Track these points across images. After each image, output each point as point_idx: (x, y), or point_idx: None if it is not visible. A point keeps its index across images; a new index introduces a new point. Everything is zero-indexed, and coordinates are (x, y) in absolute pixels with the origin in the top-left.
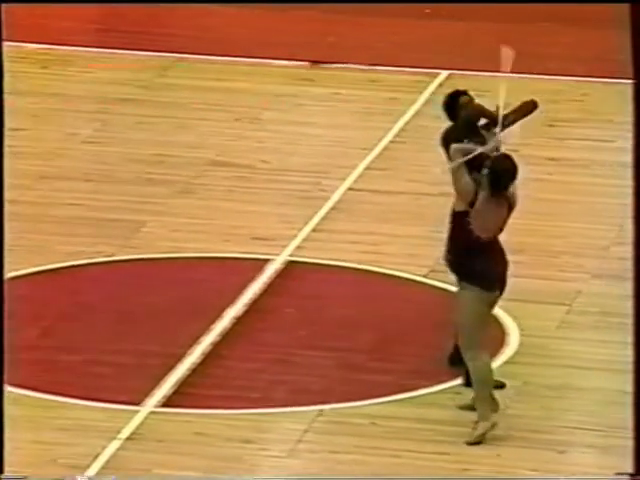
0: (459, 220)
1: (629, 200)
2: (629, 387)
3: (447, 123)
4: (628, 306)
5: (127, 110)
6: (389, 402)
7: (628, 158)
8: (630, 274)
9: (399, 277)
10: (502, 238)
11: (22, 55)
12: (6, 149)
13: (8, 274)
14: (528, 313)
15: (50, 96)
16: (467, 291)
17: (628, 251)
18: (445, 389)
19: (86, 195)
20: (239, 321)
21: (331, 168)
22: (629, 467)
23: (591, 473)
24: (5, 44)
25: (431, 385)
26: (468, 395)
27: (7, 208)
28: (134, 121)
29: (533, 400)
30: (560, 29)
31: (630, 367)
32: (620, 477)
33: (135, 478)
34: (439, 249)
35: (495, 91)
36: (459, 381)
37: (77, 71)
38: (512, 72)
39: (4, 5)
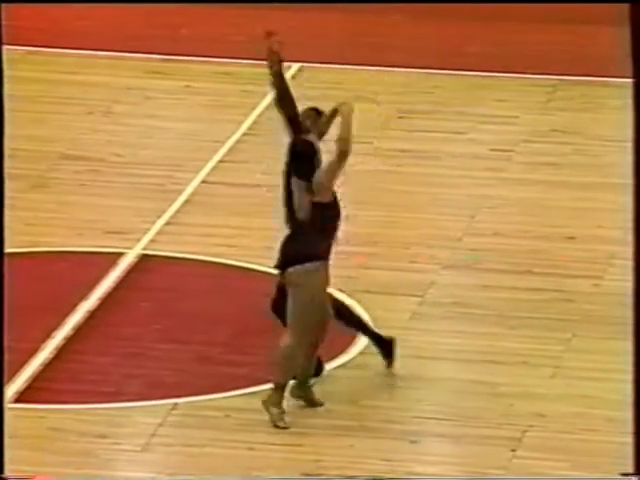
0: None
1: (480, 191)
2: (481, 377)
3: None
4: (480, 296)
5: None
6: (243, 395)
7: (478, 149)
8: (482, 265)
9: (254, 270)
10: (353, 230)
11: None
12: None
13: None
14: (380, 305)
15: None
16: None
17: (479, 242)
18: (297, 382)
19: None
20: (93, 315)
21: (184, 161)
22: (482, 457)
23: (445, 463)
24: None
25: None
26: (321, 386)
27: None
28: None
29: (385, 391)
30: (410, 22)
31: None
32: (623, 477)
33: None
34: None
35: (347, 83)
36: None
37: None
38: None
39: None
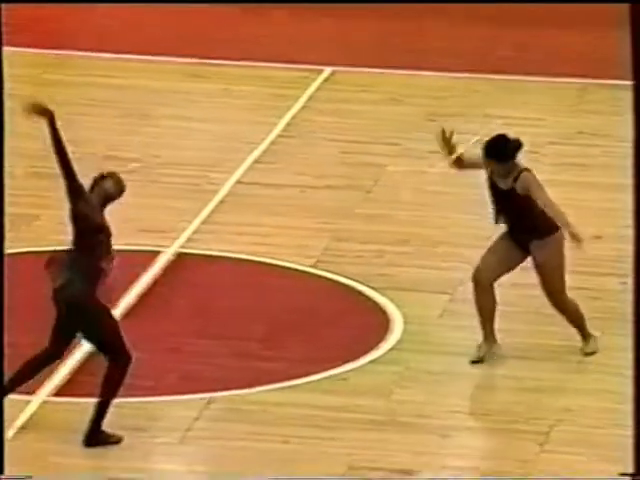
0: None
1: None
2: (510, 372)
3: (330, 117)
4: (508, 293)
5: (14, 105)
6: (279, 389)
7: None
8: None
9: (287, 268)
10: (385, 229)
11: None
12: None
13: None
14: (412, 301)
15: None
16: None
17: None
18: (332, 375)
19: None
20: (131, 311)
21: (220, 162)
22: (507, 449)
23: (473, 456)
24: None
25: (319, 372)
26: (353, 381)
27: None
28: (21, 116)
29: (416, 385)
30: (441, 26)
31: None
32: (622, 477)
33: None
34: (325, 240)
35: (378, 85)
36: (346, 367)
37: None
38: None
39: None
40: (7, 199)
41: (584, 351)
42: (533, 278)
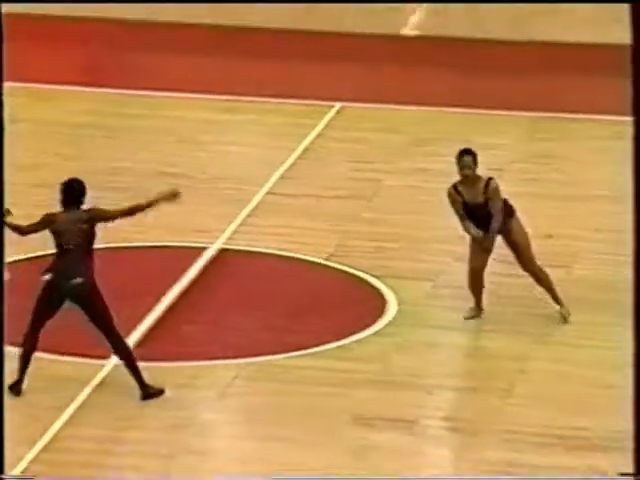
0: None
1: None
2: (480, 342)
3: (339, 143)
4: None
5: (94, 133)
6: (300, 355)
7: (479, 169)
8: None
9: (306, 260)
10: (384, 230)
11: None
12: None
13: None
14: (404, 287)
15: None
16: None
17: None
18: (342, 345)
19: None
20: (183, 295)
21: (253, 177)
22: (478, 402)
23: (453, 408)
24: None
25: (331, 342)
26: (358, 350)
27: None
28: (98, 141)
29: (408, 353)
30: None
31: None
32: (622, 477)
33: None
34: (336, 239)
35: (375, 118)
36: (353, 339)
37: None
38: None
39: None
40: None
41: (562, 313)
42: (497, 268)
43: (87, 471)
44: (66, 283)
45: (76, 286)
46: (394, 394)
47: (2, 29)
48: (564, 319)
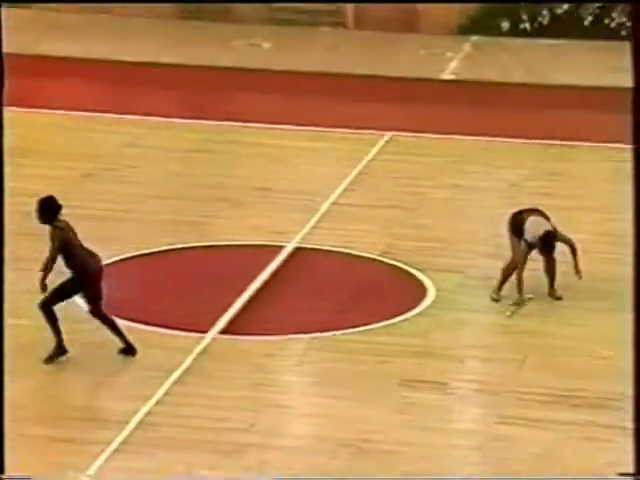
0: None
1: (501, 209)
2: (501, 322)
3: (390, 163)
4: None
5: (202, 156)
6: (357, 332)
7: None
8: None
9: (364, 256)
10: (426, 234)
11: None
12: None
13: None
14: (440, 279)
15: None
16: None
17: (498, 240)
18: (390, 323)
19: (171, 206)
20: (265, 285)
21: (321, 190)
22: (499, 369)
23: (480, 373)
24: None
25: (382, 321)
26: (403, 327)
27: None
28: (205, 162)
29: (443, 330)
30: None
31: None
32: (621, 477)
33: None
34: (388, 239)
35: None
36: (399, 318)
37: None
38: None
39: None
40: (195, 212)
41: (555, 295)
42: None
43: (195, 421)
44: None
45: None
46: (432, 362)
47: (2, 30)
48: (556, 297)
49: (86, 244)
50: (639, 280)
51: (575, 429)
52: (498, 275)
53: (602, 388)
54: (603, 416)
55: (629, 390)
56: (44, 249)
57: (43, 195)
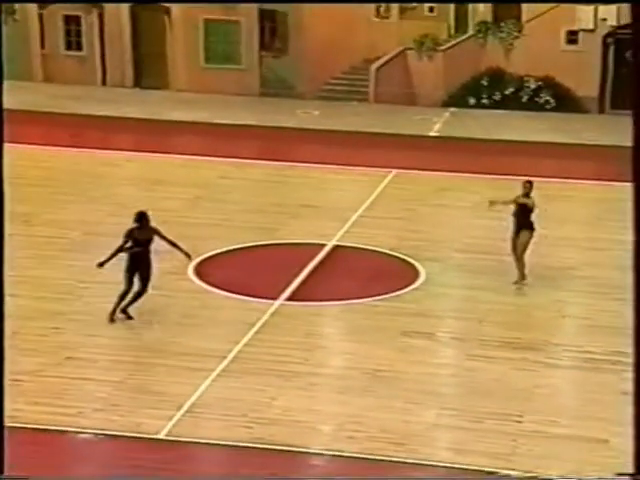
0: None
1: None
2: (469, 293)
3: (398, 192)
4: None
5: (271, 186)
6: (377, 299)
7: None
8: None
9: (379, 251)
10: (414, 236)
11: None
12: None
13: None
14: (429, 265)
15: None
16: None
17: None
18: (396, 295)
19: (252, 218)
20: (314, 269)
21: (351, 207)
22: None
23: (455, 326)
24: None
25: (390, 292)
26: (405, 297)
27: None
28: (272, 188)
29: (432, 298)
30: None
31: None
32: (620, 477)
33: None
34: (394, 240)
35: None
36: (401, 292)
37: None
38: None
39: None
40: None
41: (521, 282)
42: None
43: (268, 357)
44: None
45: None
46: (423, 320)
47: (2, 30)
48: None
49: (197, 242)
50: (639, 280)
51: (515, 363)
52: (467, 263)
53: (532, 336)
54: (533, 354)
55: (551, 337)
56: None
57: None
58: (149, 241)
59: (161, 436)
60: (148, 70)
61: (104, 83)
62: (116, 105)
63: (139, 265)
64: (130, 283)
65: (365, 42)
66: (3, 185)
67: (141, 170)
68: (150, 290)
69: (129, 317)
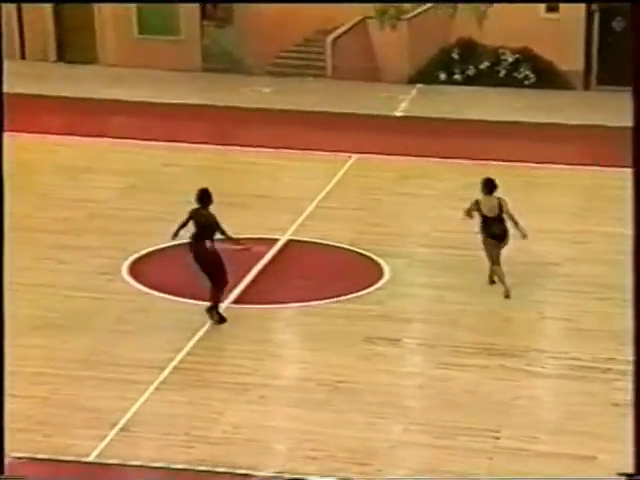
0: None
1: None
2: (437, 293)
3: (359, 179)
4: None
5: (215, 173)
6: (335, 301)
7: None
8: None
9: (337, 246)
10: (385, 230)
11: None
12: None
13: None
14: (394, 262)
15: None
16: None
17: (438, 233)
18: (358, 296)
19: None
20: (265, 267)
21: (306, 197)
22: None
23: (423, 331)
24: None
25: (351, 293)
26: (369, 297)
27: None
28: (217, 175)
29: (397, 298)
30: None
31: None
32: (620, 477)
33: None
34: (352, 234)
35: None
36: (366, 291)
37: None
38: None
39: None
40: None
41: (506, 294)
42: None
43: (212, 367)
44: None
45: None
46: (387, 324)
47: (1, 30)
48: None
49: (131, 238)
50: (639, 279)
51: (492, 372)
52: (435, 259)
53: (510, 341)
54: (511, 362)
55: (531, 342)
56: None
57: None
58: (209, 227)
59: (92, 459)
60: (73, 42)
61: (23, 57)
62: (38, 82)
63: (197, 258)
64: (209, 278)
65: (320, 11)
66: (3, 187)
67: (66, 156)
68: (83, 293)
69: (221, 319)
